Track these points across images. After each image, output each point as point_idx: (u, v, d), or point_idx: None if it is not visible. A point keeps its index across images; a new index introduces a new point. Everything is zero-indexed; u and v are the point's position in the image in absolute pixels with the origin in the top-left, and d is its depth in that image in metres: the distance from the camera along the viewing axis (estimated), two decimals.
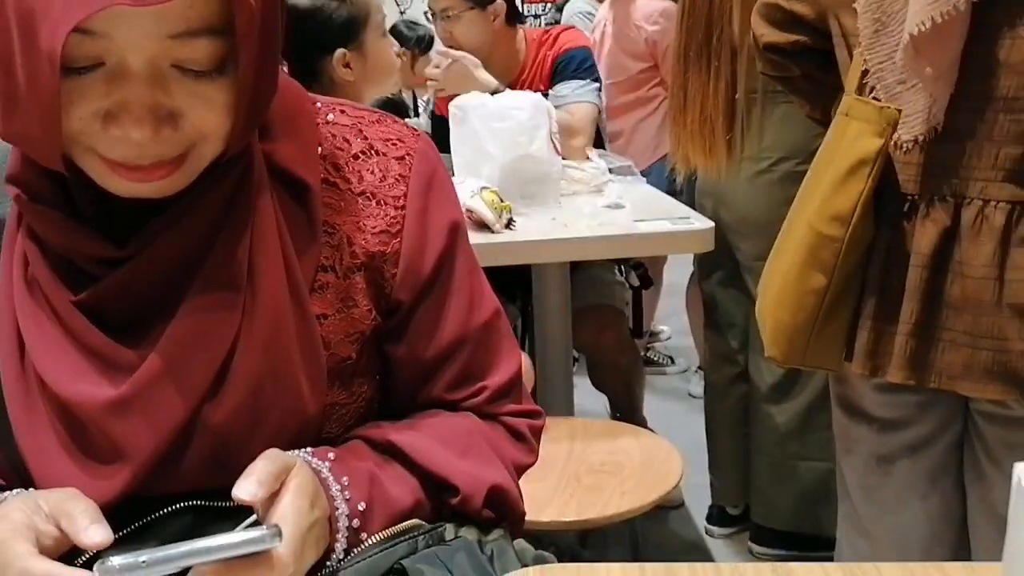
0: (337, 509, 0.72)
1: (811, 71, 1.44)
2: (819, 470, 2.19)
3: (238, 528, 0.64)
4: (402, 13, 7.03)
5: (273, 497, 0.67)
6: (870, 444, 1.35)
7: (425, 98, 4.35)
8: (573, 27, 2.64)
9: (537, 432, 0.90)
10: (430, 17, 2.53)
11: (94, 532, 0.62)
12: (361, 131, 0.81)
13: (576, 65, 2.48)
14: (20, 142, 0.67)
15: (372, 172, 0.79)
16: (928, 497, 1.33)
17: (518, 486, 0.85)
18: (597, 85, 2.51)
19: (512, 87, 2.43)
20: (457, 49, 2.43)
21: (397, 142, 0.81)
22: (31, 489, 0.70)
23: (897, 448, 1.32)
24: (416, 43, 4.43)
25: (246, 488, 0.64)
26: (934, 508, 1.33)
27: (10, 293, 0.71)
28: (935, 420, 1.28)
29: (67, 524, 0.63)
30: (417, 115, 4.01)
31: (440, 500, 0.80)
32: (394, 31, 4.47)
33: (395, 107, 2.84)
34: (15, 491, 0.71)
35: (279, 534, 0.63)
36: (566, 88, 2.45)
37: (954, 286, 1.16)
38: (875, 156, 1.18)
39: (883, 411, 1.31)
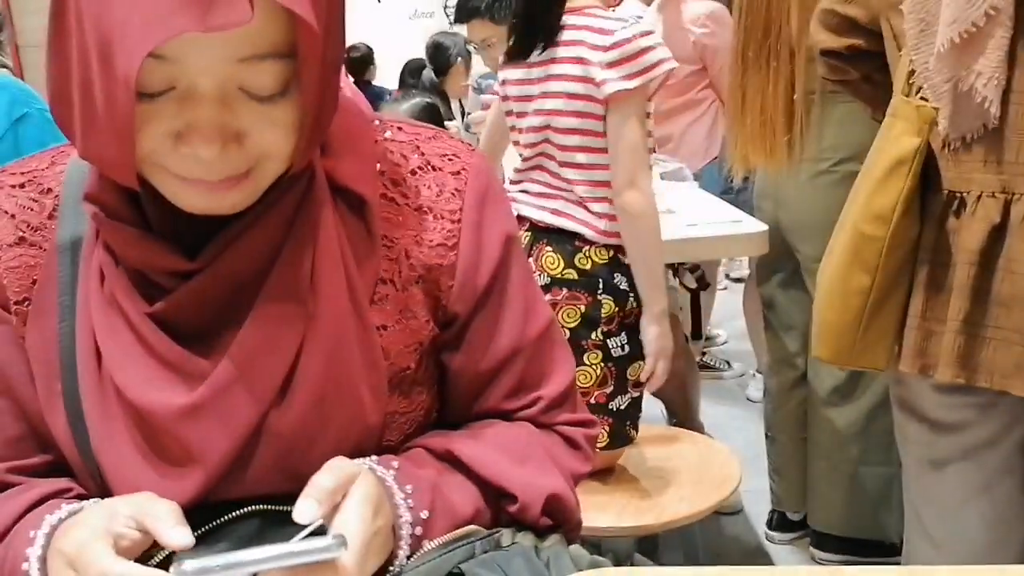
0: (401, 517, 0.74)
1: (870, 73, 1.44)
2: (880, 475, 2.15)
3: (303, 533, 0.67)
4: (452, 24, 7.10)
5: (338, 505, 0.69)
6: (925, 447, 1.34)
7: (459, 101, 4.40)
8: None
9: (592, 441, 0.91)
10: (473, 49, 2.53)
11: (178, 534, 0.65)
12: (418, 147, 0.83)
13: None
14: (97, 162, 0.70)
15: (429, 187, 0.82)
16: (989, 500, 1.30)
17: (575, 494, 0.86)
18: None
19: None
20: None
21: (453, 157, 0.83)
22: (107, 499, 0.73)
23: (951, 452, 1.30)
24: (464, 51, 4.50)
25: (304, 511, 0.67)
26: (996, 510, 1.31)
27: (88, 305, 0.75)
28: (997, 422, 1.26)
29: (152, 524, 0.66)
30: (452, 119, 4.05)
31: (499, 508, 0.81)
32: (436, 46, 4.55)
33: (431, 112, 2.85)
34: (92, 501, 0.75)
35: (344, 543, 0.65)
36: None
37: (1003, 283, 1.14)
38: (913, 154, 1.18)
39: (940, 413, 1.29)
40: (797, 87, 2.00)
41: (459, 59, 4.52)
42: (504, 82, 1.83)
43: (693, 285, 2.51)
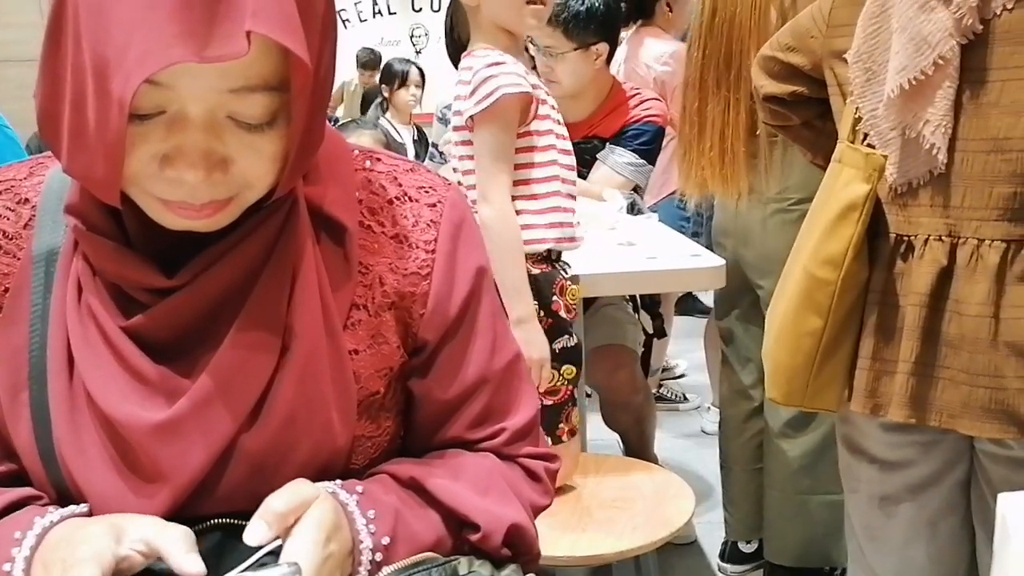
0: (362, 543, 0.74)
1: (810, 120, 1.47)
2: (830, 502, 2.18)
3: (259, 555, 0.68)
4: (418, 53, 7.15)
5: (290, 528, 0.70)
6: (873, 484, 1.36)
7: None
8: (659, 99, 2.65)
9: (553, 474, 0.92)
10: (534, 47, 2.50)
11: (190, 561, 0.67)
12: (396, 178, 0.85)
13: (644, 140, 2.51)
14: (82, 179, 0.71)
15: (405, 217, 0.84)
16: (933, 537, 1.33)
17: (534, 526, 0.87)
18: (649, 168, 2.54)
19: (583, 123, 2.50)
20: (556, 85, 2.44)
21: (430, 190, 0.85)
22: (114, 517, 0.72)
23: (899, 489, 1.33)
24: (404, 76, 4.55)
25: (255, 534, 0.68)
26: (940, 548, 1.33)
27: (62, 316, 0.75)
28: (939, 460, 1.29)
29: (166, 548, 0.67)
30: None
31: (461, 537, 0.82)
32: (388, 68, 4.58)
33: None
34: (80, 508, 0.74)
35: (299, 571, 0.66)
36: (621, 156, 2.51)
37: (951, 325, 1.18)
38: (863, 201, 1.21)
39: (886, 451, 1.32)
40: (760, 126, 2.02)
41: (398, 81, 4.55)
42: None
43: (650, 331, 2.54)
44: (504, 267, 1.77)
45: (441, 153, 2.95)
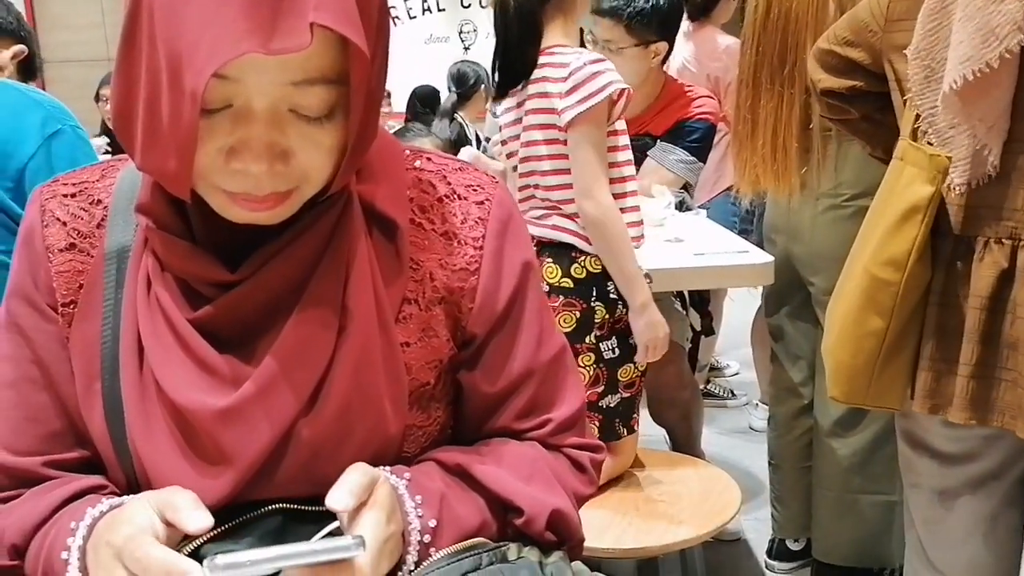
0: (410, 524, 0.78)
1: (870, 113, 1.45)
2: (881, 502, 2.17)
3: (322, 533, 0.71)
4: (466, 49, 7.18)
5: (359, 508, 0.73)
6: (933, 478, 1.35)
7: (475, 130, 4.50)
8: (711, 97, 2.63)
9: (598, 465, 0.94)
10: (588, 38, 2.52)
11: (197, 517, 0.70)
12: (445, 177, 0.88)
13: (695, 138, 2.52)
14: (156, 173, 0.75)
15: (454, 214, 0.86)
16: (993, 531, 1.32)
17: (578, 514, 0.89)
18: (700, 165, 2.55)
19: (635, 120, 2.51)
20: None
21: (477, 188, 0.88)
22: (142, 494, 0.76)
23: (960, 483, 1.32)
24: (484, 79, 4.60)
25: (339, 498, 0.71)
26: (1000, 543, 1.33)
27: (133, 309, 0.80)
28: (1003, 454, 1.28)
29: (172, 514, 0.70)
30: (469, 143, 4.13)
31: (505, 521, 0.85)
32: (460, 75, 4.64)
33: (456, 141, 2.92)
34: (130, 496, 0.79)
35: (363, 544, 0.69)
36: (672, 153, 2.52)
37: (1012, 327, 1.17)
38: (927, 203, 1.20)
39: (948, 445, 1.31)
40: (813, 120, 2.00)
41: (480, 86, 4.62)
42: (501, 122, 1.99)
43: (698, 328, 2.54)
44: (617, 260, 1.80)
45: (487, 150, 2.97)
